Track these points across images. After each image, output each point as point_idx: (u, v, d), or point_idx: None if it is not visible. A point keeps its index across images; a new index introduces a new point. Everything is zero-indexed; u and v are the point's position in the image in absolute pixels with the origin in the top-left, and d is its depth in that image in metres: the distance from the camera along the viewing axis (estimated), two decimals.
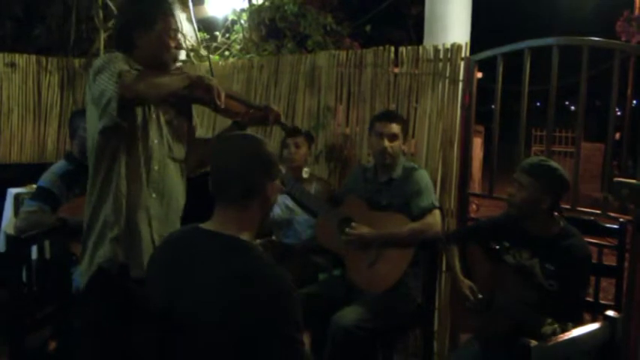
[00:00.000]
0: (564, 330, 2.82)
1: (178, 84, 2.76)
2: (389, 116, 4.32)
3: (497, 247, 3.63)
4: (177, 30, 3.02)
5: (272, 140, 5.87)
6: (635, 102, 11.65)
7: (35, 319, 3.76)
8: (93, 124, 2.85)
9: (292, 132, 3.60)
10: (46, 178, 4.14)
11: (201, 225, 2.29)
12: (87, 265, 2.92)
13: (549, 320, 2.89)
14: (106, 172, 2.88)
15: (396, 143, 4.13)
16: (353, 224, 4.00)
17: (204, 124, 6.03)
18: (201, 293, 2.10)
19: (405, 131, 4.20)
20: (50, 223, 3.90)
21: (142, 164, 2.92)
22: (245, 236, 2.24)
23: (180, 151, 3.11)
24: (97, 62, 2.86)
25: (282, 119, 3.29)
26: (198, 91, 2.82)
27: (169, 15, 2.98)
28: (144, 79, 2.72)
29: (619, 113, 12.50)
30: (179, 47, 3.06)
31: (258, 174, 2.28)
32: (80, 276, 3.02)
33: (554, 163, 3.49)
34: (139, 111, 2.92)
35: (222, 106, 2.81)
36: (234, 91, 3.81)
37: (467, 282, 3.66)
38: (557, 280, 3.35)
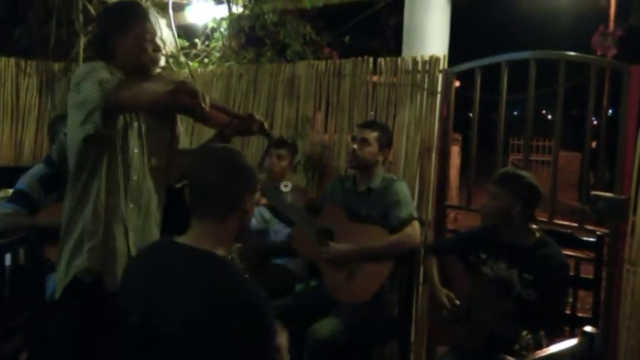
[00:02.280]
0: (537, 340, 2.83)
1: (161, 89, 2.71)
2: (366, 123, 4.40)
3: (475, 259, 3.64)
4: (153, 34, 2.99)
5: (250, 148, 5.87)
6: (611, 111, 11.71)
7: (7, 327, 3.72)
8: (74, 131, 2.80)
9: (276, 142, 3.54)
10: (24, 182, 4.12)
11: (177, 239, 2.26)
12: (62, 274, 2.88)
13: (524, 333, 2.90)
14: (87, 180, 2.85)
15: (368, 149, 4.14)
16: (331, 243, 3.99)
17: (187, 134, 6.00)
18: (175, 309, 2.07)
19: (383, 141, 4.19)
20: (26, 226, 3.88)
21: (121, 174, 2.89)
22: (221, 250, 2.22)
23: (160, 161, 3.07)
24: (79, 70, 2.86)
25: (266, 128, 3.27)
26: (183, 96, 2.73)
27: (145, 19, 2.96)
28: (126, 87, 2.69)
29: (595, 122, 12.58)
30: (157, 50, 3.03)
31: (238, 188, 2.27)
32: (56, 284, 2.95)
33: (523, 172, 3.55)
34: (120, 120, 2.89)
35: (207, 109, 2.75)
36: (217, 100, 3.77)
37: (444, 290, 3.67)
38: (535, 289, 3.37)
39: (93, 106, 2.65)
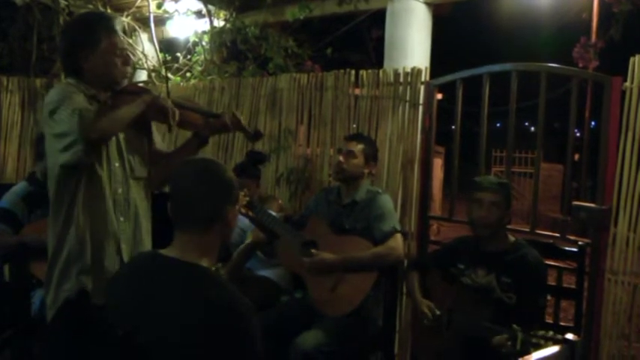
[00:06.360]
0: (515, 337, 2.85)
1: (135, 111, 2.78)
2: (352, 135, 4.43)
3: (455, 270, 3.66)
4: (122, 48, 2.95)
5: (234, 155, 5.91)
6: (593, 123, 11.78)
7: None
8: (53, 157, 2.78)
9: (254, 137, 3.51)
10: (7, 199, 4.09)
11: (162, 251, 2.24)
12: (52, 299, 2.84)
13: (506, 336, 2.91)
14: (69, 204, 2.82)
15: (353, 161, 4.14)
16: (314, 251, 3.98)
17: (166, 138, 5.97)
18: (162, 322, 2.05)
19: (368, 154, 4.19)
20: (11, 244, 3.86)
21: (105, 190, 2.87)
22: (205, 262, 2.21)
23: (142, 169, 3.05)
24: (51, 96, 2.80)
25: (244, 124, 3.24)
26: (153, 113, 2.87)
27: (113, 33, 2.92)
28: (104, 116, 2.69)
29: (578, 134, 12.70)
30: (127, 64, 2.99)
31: (219, 200, 2.25)
32: (47, 309, 2.89)
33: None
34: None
35: (176, 126, 2.83)
36: (192, 101, 3.76)
37: (425, 301, 3.68)
38: (515, 291, 3.42)
39: (74, 138, 2.62)
